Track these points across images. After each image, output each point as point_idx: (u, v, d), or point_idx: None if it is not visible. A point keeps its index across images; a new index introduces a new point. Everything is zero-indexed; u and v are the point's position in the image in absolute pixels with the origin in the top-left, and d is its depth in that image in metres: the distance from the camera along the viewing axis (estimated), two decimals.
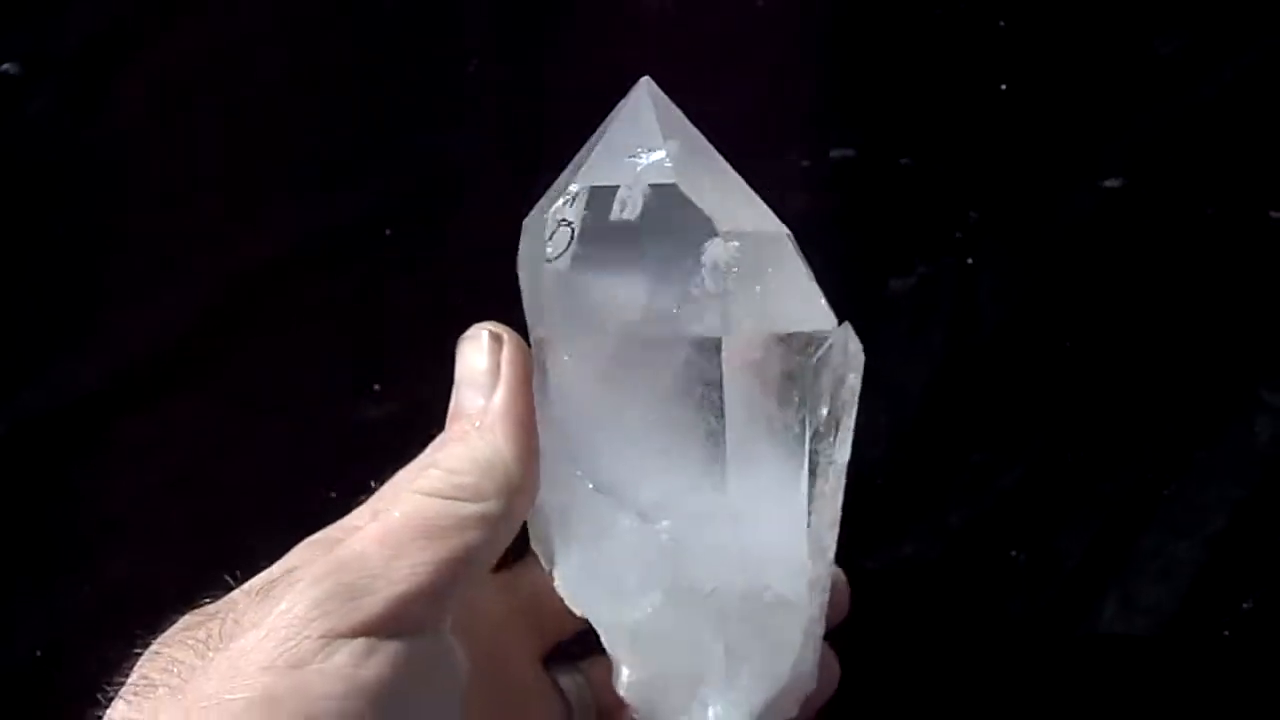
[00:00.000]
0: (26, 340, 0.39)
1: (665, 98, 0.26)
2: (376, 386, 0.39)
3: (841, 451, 0.28)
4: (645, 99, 0.26)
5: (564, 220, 0.25)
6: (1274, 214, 0.41)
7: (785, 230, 0.26)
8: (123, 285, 0.40)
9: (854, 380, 0.28)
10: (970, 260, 0.41)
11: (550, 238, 0.25)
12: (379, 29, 0.43)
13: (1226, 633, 0.35)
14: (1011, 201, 0.41)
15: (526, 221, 0.27)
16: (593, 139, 0.26)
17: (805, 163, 0.42)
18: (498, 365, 0.28)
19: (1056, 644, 0.35)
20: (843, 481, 0.28)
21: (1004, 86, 0.43)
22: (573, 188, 0.25)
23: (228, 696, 0.24)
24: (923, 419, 0.38)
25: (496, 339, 0.28)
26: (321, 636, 0.24)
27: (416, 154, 0.42)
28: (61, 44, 0.43)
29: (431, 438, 0.29)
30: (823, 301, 0.27)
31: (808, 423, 0.26)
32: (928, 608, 0.36)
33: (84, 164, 0.42)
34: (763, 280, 0.26)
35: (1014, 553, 0.37)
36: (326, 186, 0.42)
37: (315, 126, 0.43)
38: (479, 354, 0.28)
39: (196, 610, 0.27)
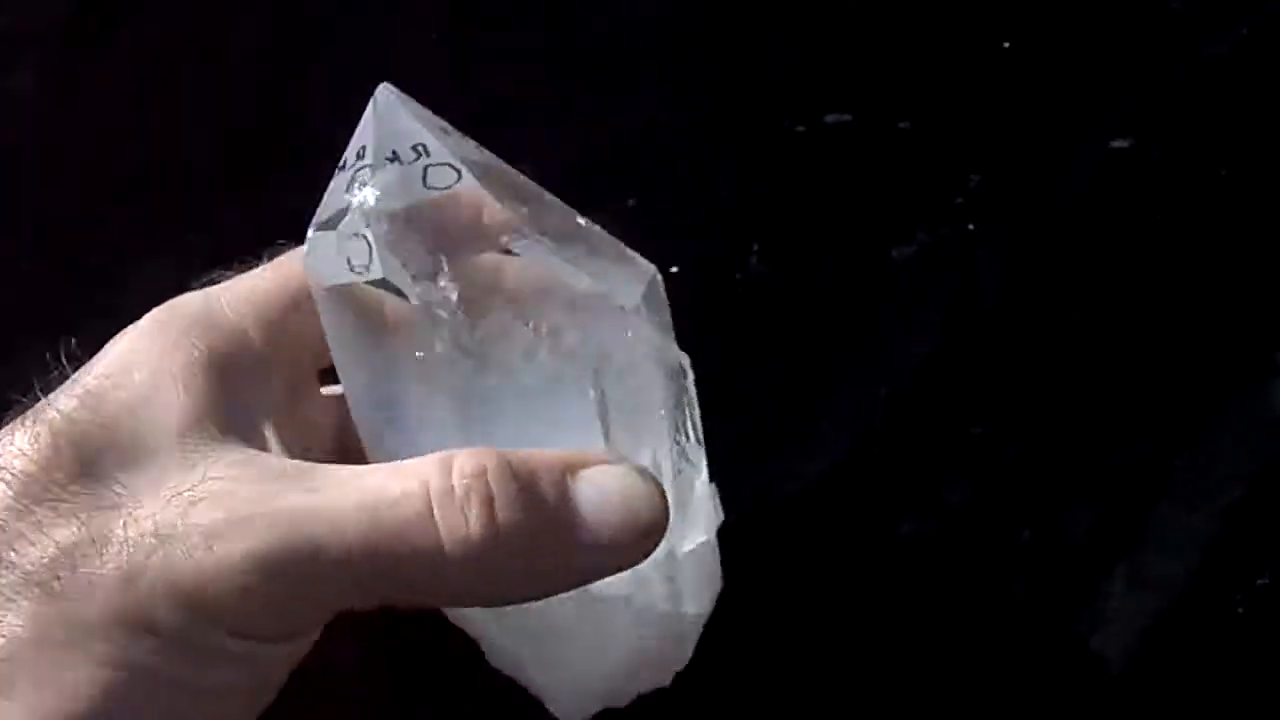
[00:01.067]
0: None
1: (408, 99, 0.24)
2: None
3: (656, 435, 0.26)
4: (394, 103, 0.24)
5: (357, 234, 0.23)
6: None
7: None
8: (100, 267, 0.40)
9: (646, 356, 0.26)
10: (971, 226, 0.39)
11: (350, 256, 0.24)
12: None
13: (1240, 609, 0.33)
14: (1015, 164, 0.40)
15: (313, 237, 0.24)
16: (352, 150, 0.24)
17: (800, 128, 0.41)
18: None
19: (1062, 623, 0.34)
20: (681, 477, 0.27)
21: (1007, 44, 0.42)
22: (357, 202, 0.23)
23: (70, 662, 0.22)
24: (922, 390, 0.37)
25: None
26: (210, 642, 0.23)
27: None
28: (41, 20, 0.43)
29: None
30: (587, 282, 0.25)
31: (596, 394, 0.25)
32: (926, 588, 0.35)
33: (61, 144, 0.42)
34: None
35: (1018, 530, 0.35)
36: (300, 168, 0.41)
37: (292, 102, 0.42)
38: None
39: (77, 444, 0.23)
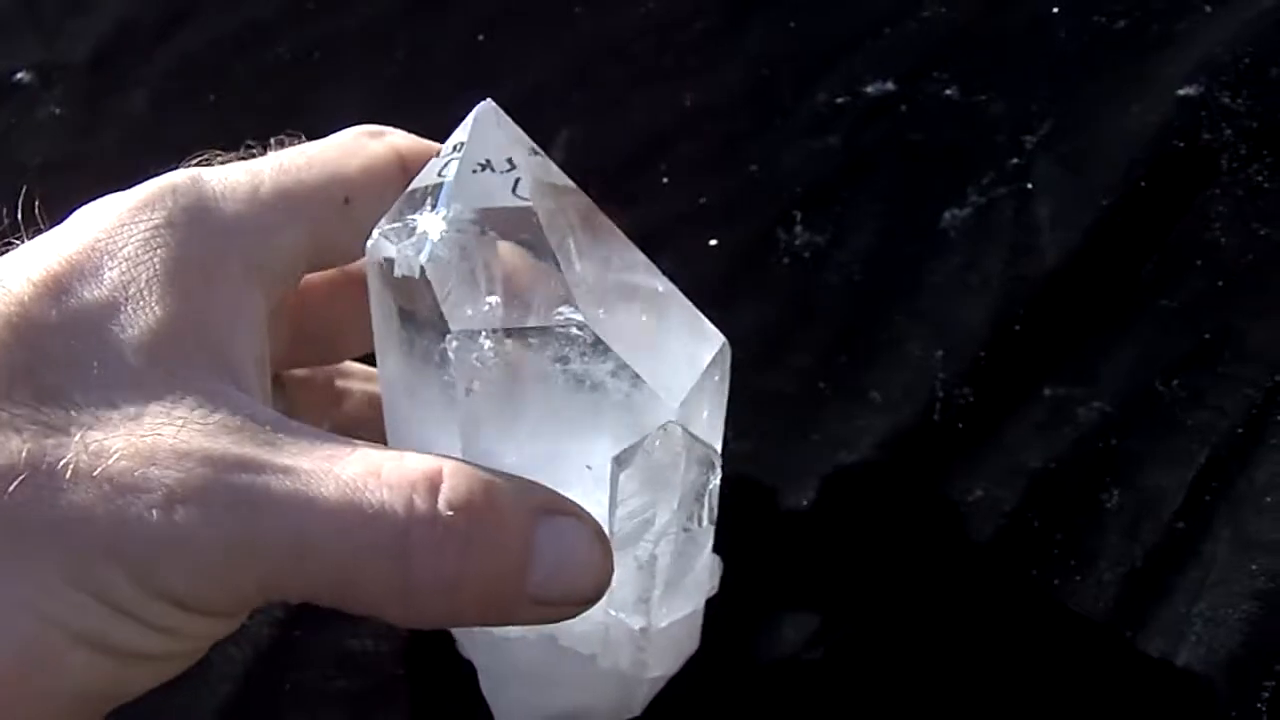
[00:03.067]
0: None
1: (504, 117, 0.24)
2: None
3: (661, 525, 0.25)
4: (491, 116, 0.24)
5: (429, 234, 0.22)
6: None
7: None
8: None
9: (675, 450, 0.24)
10: (1030, 185, 0.37)
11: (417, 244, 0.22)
12: None
13: None
14: (1076, 119, 0.38)
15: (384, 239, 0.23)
16: (440, 159, 0.23)
17: (840, 99, 0.39)
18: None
19: (1160, 592, 0.30)
20: (680, 559, 0.26)
21: (1055, 9, 0.40)
22: (446, 203, 0.23)
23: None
24: (986, 352, 0.34)
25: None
26: None
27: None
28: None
29: None
30: (629, 374, 0.23)
31: (611, 477, 0.24)
32: (1008, 554, 0.31)
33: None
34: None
35: (1103, 495, 0.32)
36: None
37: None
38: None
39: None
